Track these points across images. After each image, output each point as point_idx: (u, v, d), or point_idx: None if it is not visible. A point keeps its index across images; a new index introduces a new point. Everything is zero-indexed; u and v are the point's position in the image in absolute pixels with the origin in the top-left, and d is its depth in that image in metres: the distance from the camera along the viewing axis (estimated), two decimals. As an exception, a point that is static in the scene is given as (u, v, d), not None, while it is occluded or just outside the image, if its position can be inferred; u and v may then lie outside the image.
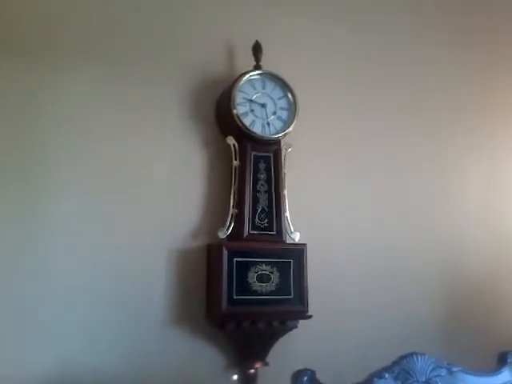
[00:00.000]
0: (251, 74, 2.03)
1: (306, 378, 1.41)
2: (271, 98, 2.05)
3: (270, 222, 1.97)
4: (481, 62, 2.67)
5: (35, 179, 1.82)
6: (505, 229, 2.56)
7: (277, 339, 1.95)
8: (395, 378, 1.44)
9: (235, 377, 1.94)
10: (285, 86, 2.07)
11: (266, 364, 1.94)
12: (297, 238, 2.01)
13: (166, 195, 1.98)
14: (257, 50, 2.09)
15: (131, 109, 1.98)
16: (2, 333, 1.70)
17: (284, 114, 2.05)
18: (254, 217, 1.95)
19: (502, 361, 1.57)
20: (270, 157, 2.02)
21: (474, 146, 2.58)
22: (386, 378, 1.44)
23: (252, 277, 1.89)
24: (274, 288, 1.90)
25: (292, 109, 2.05)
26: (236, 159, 1.99)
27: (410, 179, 2.41)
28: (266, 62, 2.07)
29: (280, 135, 2.02)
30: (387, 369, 1.45)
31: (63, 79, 1.89)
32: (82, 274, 1.83)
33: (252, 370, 1.92)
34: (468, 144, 2.57)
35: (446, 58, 2.59)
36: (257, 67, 2.07)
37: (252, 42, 2.08)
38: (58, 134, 1.86)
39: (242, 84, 2.00)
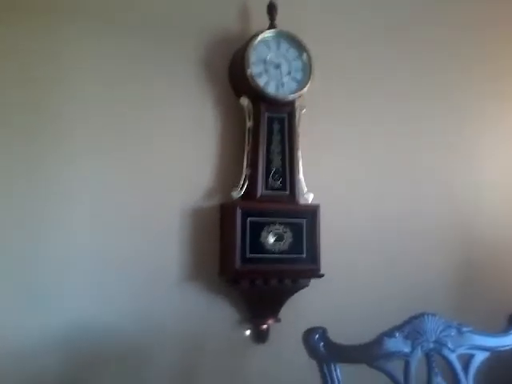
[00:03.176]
0: (266, 33, 1.99)
1: (317, 336, 1.44)
2: (286, 58, 2.02)
3: (284, 183, 1.98)
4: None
5: (47, 140, 1.82)
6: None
7: (289, 297, 1.99)
8: (405, 338, 1.47)
9: (248, 332, 1.99)
10: (300, 47, 2.03)
11: (277, 320, 1.99)
12: (310, 198, 2.01)
13: (179, 155, 1.98)
14: (271, 9, 2.04)
15: (144, 69, 1.96)
16: (13, 296, 1.74)
17: (299, 75, 2.02)
18: (267, 177, 1.96)
19: (511, 322, 1.59)
20: (284, 118, 2.01)
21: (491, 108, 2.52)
22: (397, 337, 1.46)
23: (265, 236, 1.91)
24: (286, 247, 1.93)
25: (307, 70, 2.02)
26: (250, 120, 1.98)
27: (425, 141, 2.37)
28: (281, 22, 2.03)
29: (294, 96, 2.00)
30: (398, 328, 1.47)
31: (75, 41, 1.87)
32: (94, 235, 1.85)
33: (264, 326, 1.97)
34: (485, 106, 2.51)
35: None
36: (271, 27, 2.03)
37: (267, 1, 2.03)
38: (71, 99, 1.86)
39: (257, 44, 1.96)
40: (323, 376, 1.43)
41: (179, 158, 1.98)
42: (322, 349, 1.44)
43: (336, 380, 1.43)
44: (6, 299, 1.72)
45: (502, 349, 1.55)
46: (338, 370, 1.44)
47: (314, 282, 1.98)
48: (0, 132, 1.77)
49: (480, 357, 1.52)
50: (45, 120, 1.83)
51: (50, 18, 1.84)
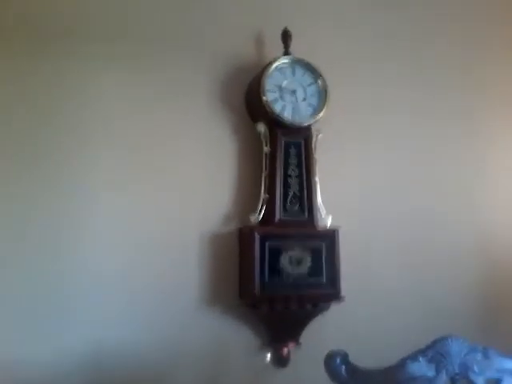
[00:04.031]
0: (280, 60, 2.03)
1: (338, 360, 1.42)
2: (301, 84, 2.05)
3: (302, 207, 1.99)
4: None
5: (73, 167, 1.87)
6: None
7: (309, 320, 1.98)
8: (429, 361, 1.43)
9: (268, 356, 1.97)
10: (315, 72, 2.06)
11: (298, 344, 1.97)
12: (328, 222, 2.01)
13: (198, 181, 2.01)
14: (286, 36, 2.09)
15: (162, 98, 2.01)
16: (40, 320, 1.76)
17: (314, 100, 2.05)
18: (285, 202, 1.97)
19: (539, 344, 1.54)
20: (300, 143, 2.03)
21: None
22: (420, 361, 1.43)
23: (284, 260, 1.91)
24: (306, 271, 1.92)
25: (322, 95, 2.05)
26: (266, 145, 2.00)
27: (447, 161, 2.37)
28: (296, 49, 2.08)
29: (310, 121, 2.02)
30: (421, 352, 1.44)
31: (90, 68, 1.92)
32: (117, 259, 1.87)
33: (285, 350, 1.95)
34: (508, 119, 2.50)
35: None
36: (286, 54, 2.07)
37: (281, 29, 2.08)
38: (93, 128, 1.91)
39: (272, 71, 2.00)
40: (345, 401, 1.41)
41: (198, 184, 2.01)
42: (343, 373, 1.42)
43: (358, 405, 1.41)
44: (19, 324, 1.74)
45: (531, 372, 1.50)
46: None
47: (334, 305, 1.96)
48: (28, 153, 1.83)
49: (508, 381, 1.47)
50: (69, 150, 1.88)
51: (67, 45, 1.91)
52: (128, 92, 1.97)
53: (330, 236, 1.97)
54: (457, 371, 1.44)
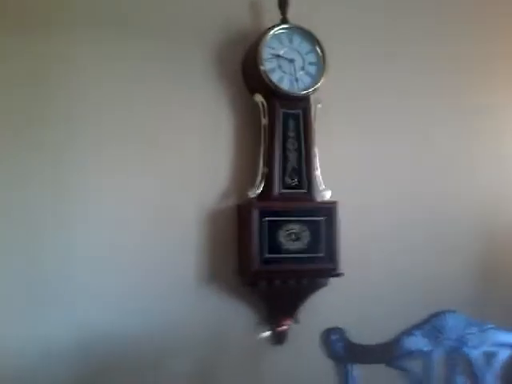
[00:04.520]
0: (278, 28, 1.97)
1: (335, 337, 1.44)
2: (299, 52, 1.99)
3: (301, 181, 1.97)
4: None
5: (61, 143, 1.84)
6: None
7: (307, 297, 1.98)
8: (425, 336, 1.44)
9: (266, 333, 1.99)
10: (313, 40, 2.00)
11: (296, 321, 1.98)
12: (327, 195, 1.99)
13: (194, 155, 1.98)
14: (283, 3, 2.01)
15: (157, 69, 1.96)
16: (26, 304, 1.76)
17: (313, 69, 2.00)
18: (284, 175, 1.95)
19: (536, 318, 1.55)
20: (299, 114, 1.99)
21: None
22: (416, 336, 1.44)
23: (283, 236, 1.90)
24: (305, 246, 1.92)
25: (321, 63, 1.99)
26: (265, 117, 1.96)
27: (447, 133, 2.32)
28: (293, 16, 2.01)
29: (309, 91, 1.98)
30: (417, 327, 1.45)
31: (82, 44, 1.87)
32: (111, 237, 1.87)
33: (283, 327, 1.97)
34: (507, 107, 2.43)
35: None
36: (283, 21, 2.00)
37: (277, -5, 2.00)
38: (85, 101, 1.87)
39: (269, 39, 1.94)
40: (340, 377, 1.43)
41: (194, 158, 1.99)
42: (340, 349, 1.43)
43: (354, 380, 1.43)
44: (15, 308, 1.75)
45: (527, 345, 1.51)
46: (356, 370, 1.43)
47: (332, 281, 1.96)
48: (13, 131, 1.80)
49: (503, 354, 1.48)
50: (58, 123, 1.84)
51: (63, 19, 1.86)
52: (124, 65, 1.92)
53: (329, 210, 1.95)
54: (453, 345, 1.45)
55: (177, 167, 1.96)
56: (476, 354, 1.46)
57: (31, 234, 1.79)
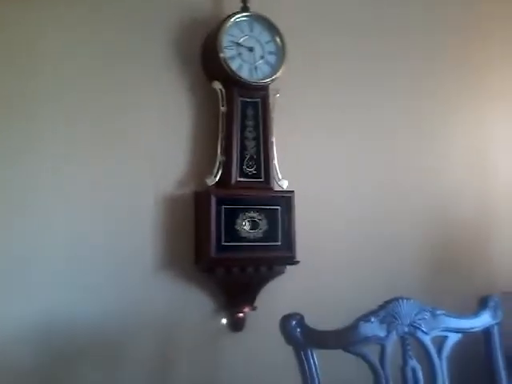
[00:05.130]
0: (238, 15, 1.96)
1: (294, 322, 1.44)
2: (259, 41, 1.99)
3: (258, 169, 1.97)
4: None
5: (22, 128, 1.77)
6: (490, 171, 2.58)
7: (265, 284, 1.99)
8: (381, 322, 1.47)
9: (224, 321, 1.98)
10: (273, 29, 2.00)
11: (254, 308, 1.98)
12: (285, 185, 2.00)
13: (151, 141, 1.94)
14: (244, -10, 2.00)
15: (115, 54, 1.91)
16: None
17: (272, 59, 2.00)
18: (241, 164, 1.94)
19: (482, 304, 1.61)
20: (257, 102, 1.99)
21: (463, 95, 2.56)
22: (372, 322, 1.47)
23: (240, 224, 1.90)
24: (261, 235, 1.92)
25: (280, 53, 2.00)
26: (223, 105, 1.95)
27: (398, 126, 2.39)
28: (254, 4, 2.00)
29: (268, 80, 1.98)
30: (373, 313, 1.48)
31: (40, 23, 1.80)
32: (67, 222, 1.81)
33: (240, 314, 1.96)
34: (457, 93, 2.55)
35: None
36: (244, 9, 1.99)
37: (239, -18, 1.99)
38: (45, 86, 1.81)
39: (229, 26, 1.93)
40: (300, 362, 1.43)
41: (152, 145, 1.94)
42: (299, 335, 1.44)
43: (313, 365, 1.43)
44: None
45: (474, 330, 1.58)
46: (315, 356, 1.44)
47: (289, 268, 1.98)
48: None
49: (453, 339, 1.54)
50: (19, 108, 1.78)
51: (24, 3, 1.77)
52: (82, 50, 1.86)
53: (286, 199, 1.97)
54: (406, 330, 1.50)
55: (133, 154, 1.91)
56: (428, 338, 1.51)
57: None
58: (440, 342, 1.53)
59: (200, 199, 1.95)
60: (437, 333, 1.53)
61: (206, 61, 2.03)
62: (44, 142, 1.80)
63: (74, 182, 1.83)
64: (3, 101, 1.76)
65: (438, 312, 1.54)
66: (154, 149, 1.94)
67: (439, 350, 1.52)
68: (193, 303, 1.95)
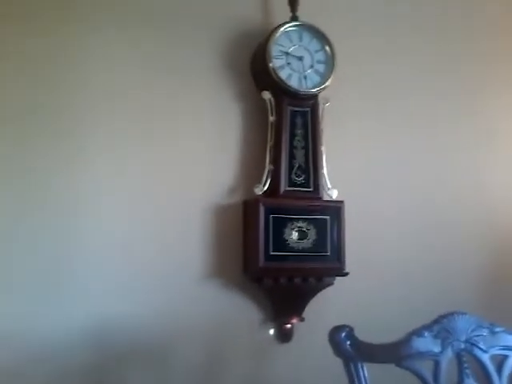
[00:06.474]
0: (288, 25, 1.96)
1: (343, 334, 1.41)
2: (308, 50, 1.98)
3: (307, 179, 1.95)
4: None
5: (74, 137, 1.82)
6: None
7: (313, 295, 1.96)
8: (435, 337, 1.42)
9: (271, 331, 1.96)
10: (322, 38, 1.99)
11: (302, 319, 1.95)
12: (334, 194, 1.98)
13: (201, 152, 1.96)
14: (293, 0, 2.00)
15: (166, 65, 1.94)
16: (40, 294, 1.72)
17: (321, 68, 1.99)
18: (290, 173, 1.93)
19: (545, 321, 1.53)
20: (307, 112, 1.98)
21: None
22: (426, 337, 1.42)
23: (288, 233, 1.88)
24: (310, 245, 1.90)
25: (330, 62, 1.99)
26: (272, 115, 1.95)
27: (453, 138, 2.33)
28: (303, 14, 2.00)
29: (317, 89, 1.97)
30: (427, 327, 1.43)
31: (89, 40, 1.85)
32: (120, 231, 1.84)
33: (288, 325, 1.94)
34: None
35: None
36: (293, 18, 1.99)
37: (288, -8, 2.00)
38: (94, 98, 1.84)
39: (278, 36, 1.93)
40: (350, 375, 1.40)
41: (201, 155, 1.96)
42: (348, 347, 1.40)
43: (363, 379, 1.40)
44: (34, 290, 1.72)
45: (538, 350, 1.49)
46: (365, 370, 1.40)
47: (338, 280, 1.94)
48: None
49: (514, 358, 1.47)
50: (69, 120, 1.82)
51: (63, 17, 1.83)
52: (128, 64, 1.89)
53: (336, 209, 1.94)
54: (462, 347, 1.43)
55: (183, 164, 1.93)
56: (486, 356, 1.44)
57: (44, 222, 1.76)
58: (500, 361, 1.46)
59: (248, 208, 1.95)
60: (496, 351, 1.46)
61: (255, 71, 2.04)
62: (93, 159, 1.83)
63: (124, 193, 1.86)
64: (57, 115, 1.80)
65: (497, 329, 1.47)
66: (203, 158, 1.96)
67: (499, 369, 1.45)
68: (240, 312, 1.94)
